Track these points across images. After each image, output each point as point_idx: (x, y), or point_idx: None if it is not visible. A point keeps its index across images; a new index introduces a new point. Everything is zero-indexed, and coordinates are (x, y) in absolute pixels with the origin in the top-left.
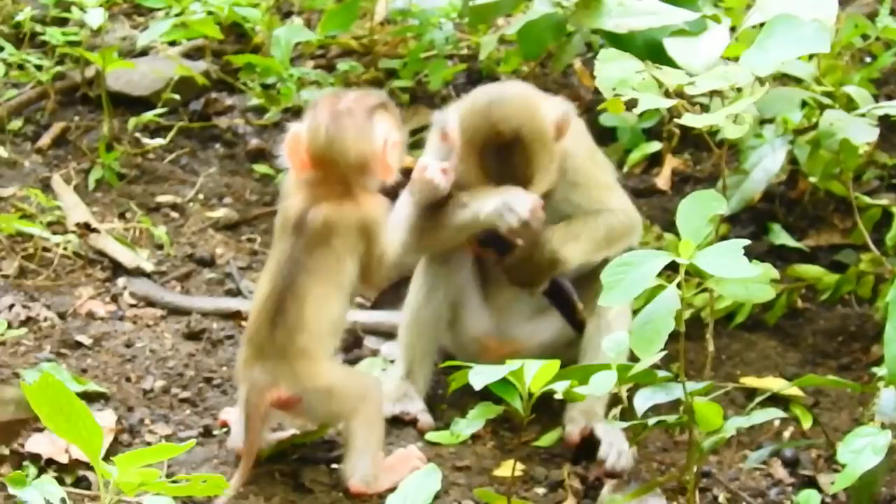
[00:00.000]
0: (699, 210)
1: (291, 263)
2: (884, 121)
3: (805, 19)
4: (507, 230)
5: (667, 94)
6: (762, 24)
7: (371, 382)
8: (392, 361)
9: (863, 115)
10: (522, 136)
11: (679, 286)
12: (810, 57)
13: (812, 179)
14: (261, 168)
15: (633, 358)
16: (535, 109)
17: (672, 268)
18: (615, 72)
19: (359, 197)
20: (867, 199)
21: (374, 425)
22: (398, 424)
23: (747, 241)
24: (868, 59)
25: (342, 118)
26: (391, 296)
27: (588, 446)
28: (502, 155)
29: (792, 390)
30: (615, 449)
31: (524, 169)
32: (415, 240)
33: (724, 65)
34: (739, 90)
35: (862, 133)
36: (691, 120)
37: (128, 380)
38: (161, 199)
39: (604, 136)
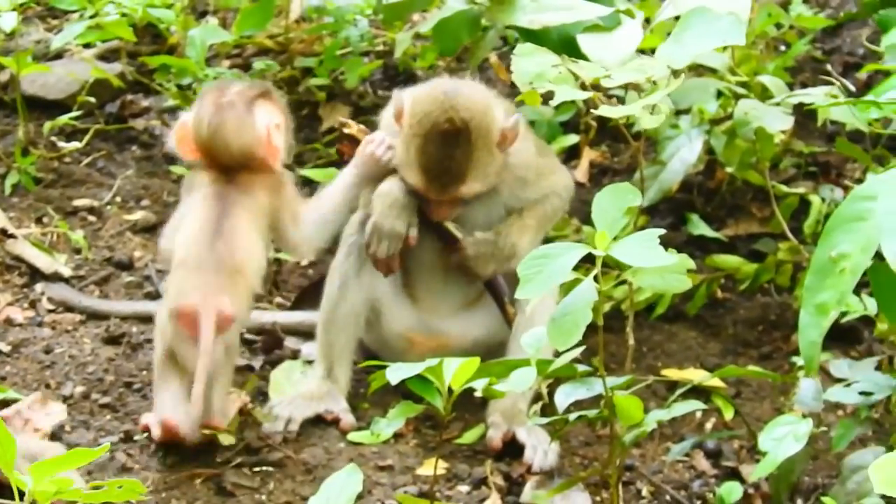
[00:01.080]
0: (615, 202)
1: (222, 200)
2: (799, 109)
3: (720, 12)
4: (367, 227)
5: (583, 88)
6: (677, 18)
7: None
8: (311, 362)
9: (777, 104)
10: (469, 130)
11: (596, 278)
12: (725, 47)
13: (729, 169)
14: (178, 169)
15: (558, 354)
16: (489, 109)
17: (591, 260)
18: (531, 66)
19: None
20: (784, 188)
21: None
22: (320, 424)
23: (662, 231)
24: (782, 48)
25: (224, 111)
26: (311, 296)
27: (511, 445)
28: (446, 143)
29: (713, 381)
30: (540, 450)
31: (462, 163)
32: (344, 208)
33: (639, 58)
34: (655, 82)
35: (777, 121)
36: (608, 111)
37: (47, 386)
38: (78, 202)
39: None
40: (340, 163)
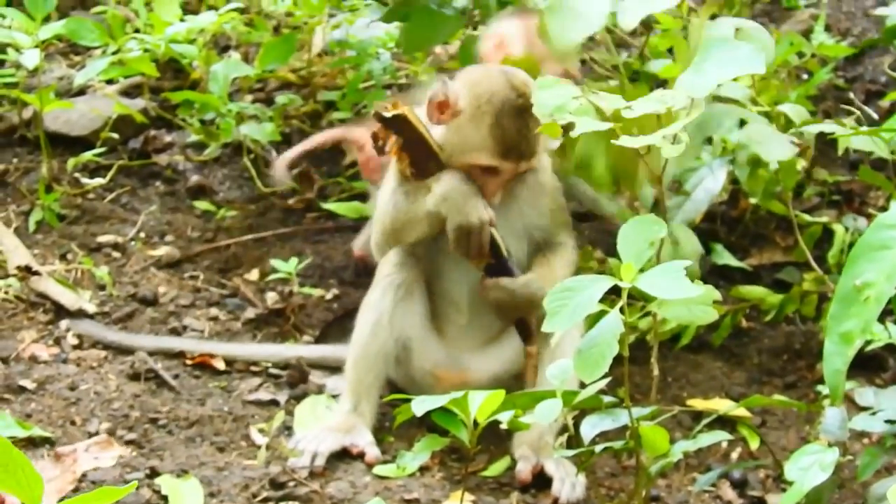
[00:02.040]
0: (640, 234)
1: None
2: (822, 138)
3: (740, 41)
4: (451, 229)
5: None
6: None
7: None
8: (336, 396)
9: (800, 134)
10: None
11: (622, 310)
12: (746, 77)
13: (753, 200)
14: (202, 204)
15: (583, 385)
16: None
17: (616, 292)
18: (552, 98)
19: None
20: (807, 217)
21: None
22: (346, 458)
23: (688, 262)
24: (805, 76)
25: None
26: (336, 330)
27: (538, 477)
28: (520, 116)
29: (739, 411)
30: (567, 482)
31: (534, 134)
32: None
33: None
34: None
35: (777, 149)
36: (629, 141)
37: (72, 423)
38: (102, 238)
39: None
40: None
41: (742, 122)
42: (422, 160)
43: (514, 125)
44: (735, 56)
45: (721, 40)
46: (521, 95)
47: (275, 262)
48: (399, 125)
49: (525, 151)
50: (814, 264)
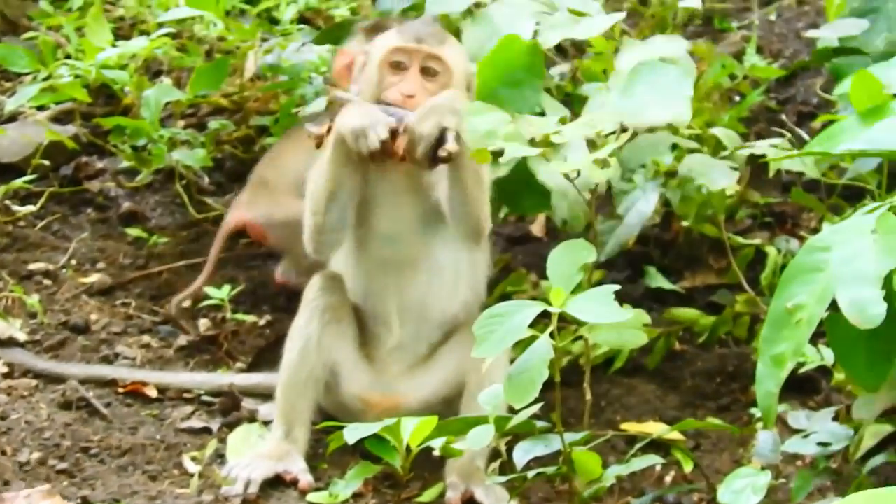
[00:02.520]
0: (570, 258)
1: None
2: (754, 160)
3: (668, 64)
4: (368, 153)
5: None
6: None
7: None
8: (269, 423)
9: (729, 157)
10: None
11: (552, 335)
12: None
13: (685, 223)
14: (134, 231)
15: (514, 411)
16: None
17: (548, 315)
18: (484, 124)
19: None
20: (740, 240)
21: None
22: (279, 485)
23: (617, 287)
24: (737, 98)
25: None
26: (268, 357)
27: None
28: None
29: (672, 434)
30: None
31: (441, 29)
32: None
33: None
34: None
35: (721, 177)
36: (558, 166)
37: (3, 453)
38: (33, 266)
39: None
40: None
41: (674, 146)
42: None
43: (417, 21)
44: (663, 80)
45: (649, 65)
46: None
47: (208, 290)
48: (333, 109)
49: (428, 35)
50: (746, 286)
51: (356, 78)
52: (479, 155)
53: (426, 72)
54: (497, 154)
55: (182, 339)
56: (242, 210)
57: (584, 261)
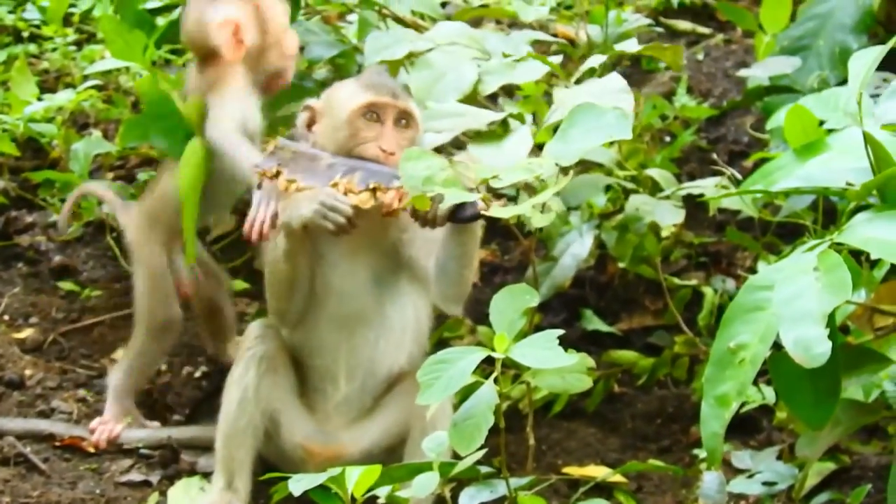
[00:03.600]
0: (512, 303)
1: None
2: (688, 200)
3: (605, 107)
4: (335, 231)
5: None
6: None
7: None
8: (209, 475)
9: (668, 197)
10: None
11: (496, 381)
12: (611, 142)
13: (621, 264)
14: (66, 285)
15: (456, 456)
16: None
17: (488, 361)
18: (420, 169)
19: None
20: (676, 280)
21: None
22: None
23: (561, 331)
24: (667, 139)
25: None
26: (206, 409)
27: None
28: (382, 72)
29: (615, 477)
30: None
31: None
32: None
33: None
34: (544, 181)
35: (668, 215)
36: (499, 212)
37: None
38: None
39: None
40: None
41: (607, 188)
42: (313, 171)
43: (376, 71)
44: (601, 122)
45: (586, 107)
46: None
47: None
48: (280, 154)
49: (395, 88)
50: (684, 327)
51: (314, 130)
52: (419, 201)
53: (398, 125)
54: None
55: None
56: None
57: (527, 305)
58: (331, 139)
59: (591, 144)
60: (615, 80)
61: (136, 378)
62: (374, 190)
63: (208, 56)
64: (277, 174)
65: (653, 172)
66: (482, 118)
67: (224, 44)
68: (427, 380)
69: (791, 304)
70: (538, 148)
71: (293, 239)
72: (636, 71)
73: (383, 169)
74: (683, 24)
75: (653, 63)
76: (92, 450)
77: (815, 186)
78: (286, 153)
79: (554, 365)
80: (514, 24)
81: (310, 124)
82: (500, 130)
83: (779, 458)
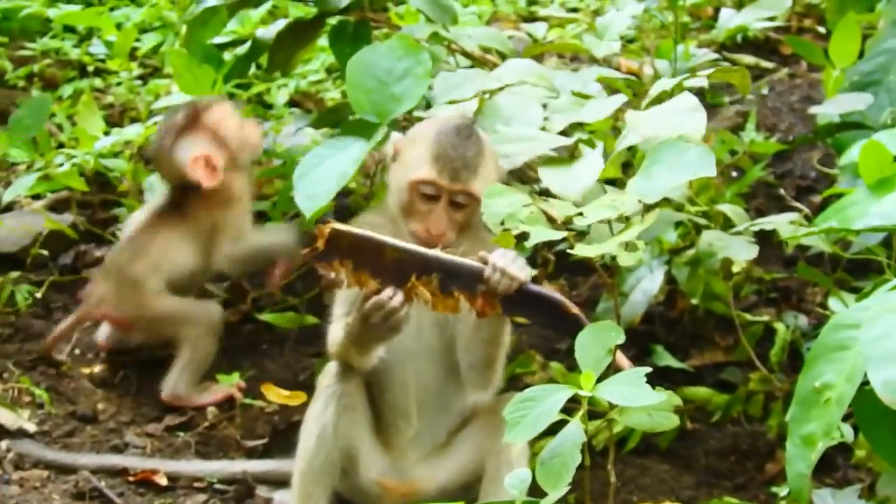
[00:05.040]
0: (597, 341)
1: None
2: (758, 235)
3: (688, 143)
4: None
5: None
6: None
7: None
8: None
9: (739, 233)
10: (479, 131)
11: (583, 419)
12: None
13: (693, 301)
14: None
15: (533, 493)
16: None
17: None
18: (503, 206)
19: None
20: (748, 316)
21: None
22: None
23: (649, 369)
24: (734, 174)
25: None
26: (281, 443)
27: None
28: (460, 133)
29: None
30: None
31: (475, 155)
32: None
33: (608, 192)
34: (627, 218)
35: (742, 251)
36: (585, 250)
37: None
38: (37, 356)
39: None
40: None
41: (677, 223)
42: (379, 263)
43: (450, 140)
44: (684, 159)
45: (670, 144)
46: (462, 117)
47: (219, 376)
48: (336, 244)
49: (462, 168)
50: (758, 364)
51: (393, 167)
52: (504, 239)
53: (454, 204)
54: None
55: (191, 427)
56: (108, 308)
57: (612, 343)
58: (395, 191)
59: (675, 182)
60: (687, 99)
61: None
62: (458, 295)
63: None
64: (342, 266)
65: (724, 208)
66: (552, 143)
67: (201, 177)
68: (514, 418)
69: (879, 343)
70: (608, 183)
71: (352, 342)
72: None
73: (462, 265)
74: (747, 59)
75: (718, 97)
76: (164, 483)
77: (893, 224)
78: (343, 241)
79: (642, 403)
80: (576, 58)
81: (395, 158)
82: (569, 156)
83: (860, 496)
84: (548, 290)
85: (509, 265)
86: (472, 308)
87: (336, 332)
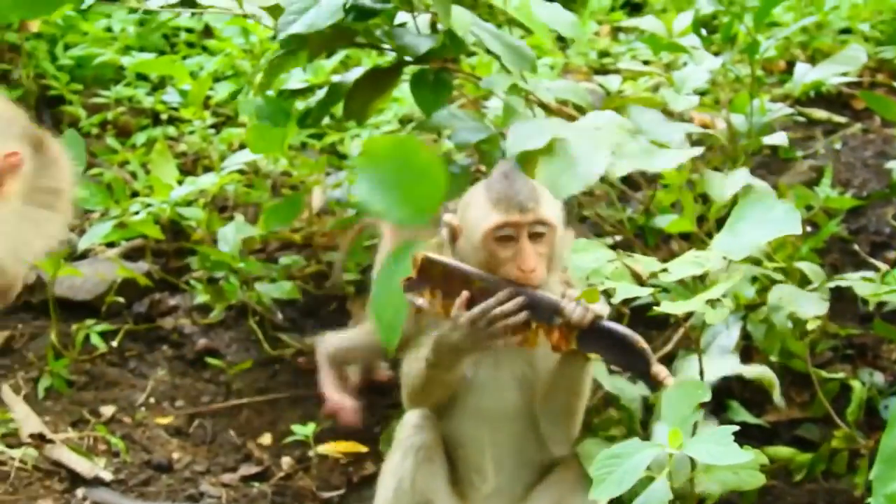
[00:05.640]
0: (684, 398)
1: None
2: (833, 291)
3: (774, 200)
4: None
5: (640, 282)
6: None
7: None
8: None
9: (818, 289)
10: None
11: (669, 476)
12: None
13: (773, 358)
14: (213, 362)
15: None
16: None
17: None
18: (588, 261)
19: None
20: (823, 373)
21: None
22: None
23: (736, 427)
24: (808, 229)
25: None
26: (357, 495)
27: None
28: (513, 170)
29: None
30: None
31: (533, 184)
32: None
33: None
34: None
35: (811, 307)
36: (671, 307)
37: None
38: (112, 404)
39: None
40: None
41: (754, 279)
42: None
43: (502, 181)
44: (771, 217)
45: (755, 200)
46: (503, 163)
47: (294, 427)
48: (428, 273)
49: (526, 199)
50: (838, 420)
51: (457, 247)
52: (589, 295)
53: (534, 237)
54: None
55: (266, 477)
56: None
57: (699, 400)
58: (472, 259)
59: (762, 239)
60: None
61: (350, 356)
62: (537, 328)
63: None
64: (432, 296)
65: (802, 265)
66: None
67: None
68: (600, 475)
69: None
70: (681, 237)
71: (441, 354)
72: (774, 160)
73: (542, 298)
74: (819, 113)
75: (790, 152)
76: None
77: None
78: (436, 270)
79: (730, 462)
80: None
81: (452, 239)
82: None
83: None
84: (622, 326)
85: (575, 308)
86: (548, 340)
87: (414, 367)
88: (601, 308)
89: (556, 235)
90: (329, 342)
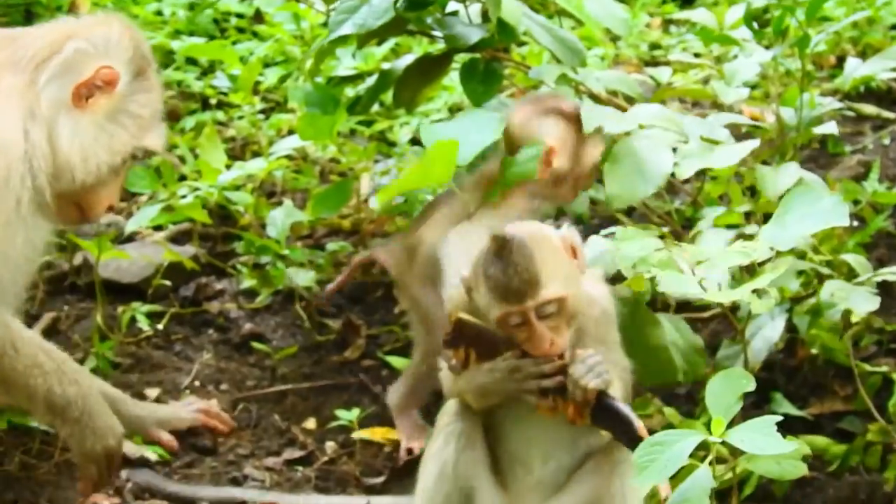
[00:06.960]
0: (728, 388)
1: None
2: (879, 286)
3: (822, 192)
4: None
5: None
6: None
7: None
8: None
9: (862, 284)
10: (522, 236)
11: (711, 465)
12: None
13: (814, 350)
14: (258, 346)
15: None
16: (540, 225)
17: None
18: (635, 250)
19: None
20: (867, 367)
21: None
22: None
23: (779, 417)
24: (855, 223)
25: None
26: (400, 478)
27: None
28: (505, 253)
29: None
30: None
31: (529, 266)
32: None
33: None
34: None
35: (864, 302)
36: (717, 296)
37: None
38: (157, 387)
39: None
40: None
41: (799, 272)
42: (496, 355)
43: (497, 268)
44: (818, 208)
45: (803, 192)
46: (495, 239)
47: (338, 412)
48: (462, 332)
49: (524, 286)
50: (876, 415)
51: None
52: (636, 283)
53: (544, 316)
54: None
55: (310, 461)
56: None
57: (743, 390)
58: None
59: (808, 230)
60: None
61: (416, 397)
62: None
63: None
64: (467, 355)
65: (848, 258)
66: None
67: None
68: (644, 462)
69: None
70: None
71: (472, 391)
72: (822, 154)
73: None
74: (869, 108)
75: (839, 147)
76: None
77: None
78: (470, 331)
79: (773, 451)
80: (697, 103)
81: (469, 295)
82: None
83: None
84: (622, 405)
85: (582, 375)
86: (564, 414)
87: (447, 384)
88: (594, 383)
89: (568, 301)
90: (393, 396)
